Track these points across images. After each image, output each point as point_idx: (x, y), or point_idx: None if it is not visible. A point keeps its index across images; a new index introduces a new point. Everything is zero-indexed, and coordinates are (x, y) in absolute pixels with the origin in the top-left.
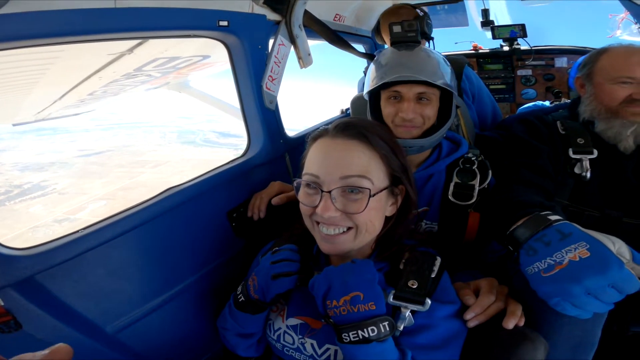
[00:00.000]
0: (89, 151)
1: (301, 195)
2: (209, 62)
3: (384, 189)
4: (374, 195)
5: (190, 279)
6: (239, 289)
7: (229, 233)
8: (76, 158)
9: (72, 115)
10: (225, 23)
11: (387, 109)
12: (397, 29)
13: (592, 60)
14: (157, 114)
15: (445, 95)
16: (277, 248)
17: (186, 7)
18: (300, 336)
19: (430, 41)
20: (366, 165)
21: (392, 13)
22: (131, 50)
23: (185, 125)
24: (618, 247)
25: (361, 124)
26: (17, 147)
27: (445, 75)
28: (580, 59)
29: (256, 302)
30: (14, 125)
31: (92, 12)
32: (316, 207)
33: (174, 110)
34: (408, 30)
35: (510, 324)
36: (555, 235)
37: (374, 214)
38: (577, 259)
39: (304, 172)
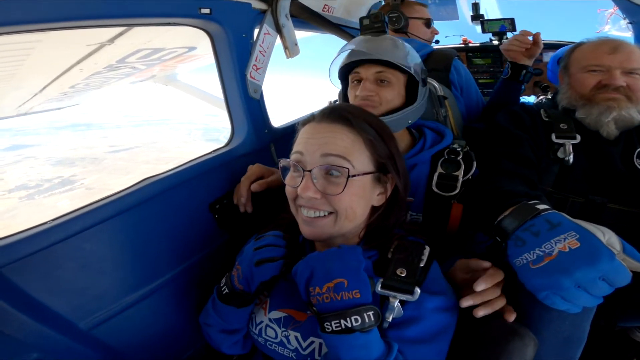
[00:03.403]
0: (118, 147)
1: (287, 179)
2: (196, 55)
3: (367, 173)
4: (353, 176)
5: (170, 273)
6: (223, 281)
7: (211, 225)
8: (106, 154)
9: (55, 109)
10: (207, 11)
11: (350, 93)
12: (365, 21)
13: (568, 53)
14: (185, 111)
15: (413, 83)
16: (261, 234)
17: None
18: (283, 329)
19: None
20: (348, 147)
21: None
22: (112, 40)
23: (212, 123)
24: (608, 237)
25: (346, 108)
26: (51, 142)
27: (407, 59)
28: (556, 53)
29: (241, 293)
30: None
31: None
32: (298, 187)
33: (201, 107)
34: (374, 22)
35: (511, 317)
36: (544, 225)
37: (355, 200)
38: (567, 249)
39: (292, 151)
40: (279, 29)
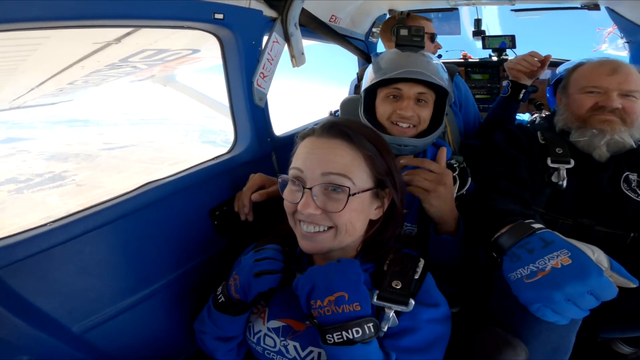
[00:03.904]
0: (113, 145)
1: (286, 193)
2: (198, 57)
3: (366, 190)
4: (353, 194)
5: (166, 278)
6: (219, 289)
7: (209, 231)
8: (100, 151)
9: (49, 104)
10: (220, 16)
11: (383, 107)
12: (404, 32)
13: (567, 74)
14: (183, 112)
15: (437, 101)
16: (260, 247)
17: None
18: (282, 338)
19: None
20: (348, 165)
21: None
22: (119, 40)
23: (209, 124)
24: (597, 255)
25: (346, 124)
26: (47, 137)
27: (444, 79)
28: (557, 74)
29: (237, 302)
30: None
31: None
32: (298, 203)
33: (200, 108)
34: (414, 35)
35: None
36: (538, 243)
37: (355, 216)
38: (559, 265)
39: (290, 167)
40: (287, 38)
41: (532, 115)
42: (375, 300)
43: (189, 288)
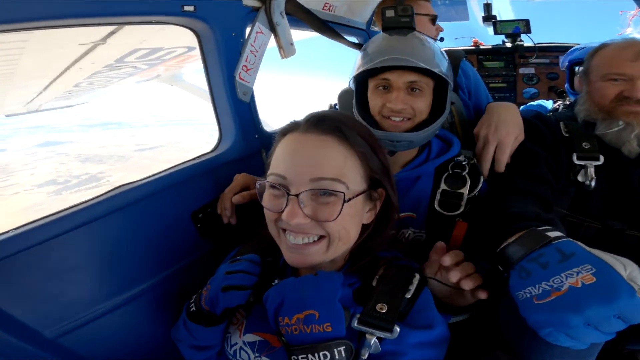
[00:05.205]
0: (144, 146)
1: (265, 199)
2: (198, 55)
3: (361, 193)
4: (348, 200)
5: (147, 283)
6: (193, 297)
7: (193, 234)
8: (133, 152)
9: (65, 107)
10: (190, 8)
11: (374, 100)
12: (390, 13)
13: (588, 58)
14: (209, 112)
15: (439, 88)
16: (237, 257)
17: None
18: (257, 354)
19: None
20: (342, 167)
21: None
22: (104, 39)
23: None
24: (630, 271)
25: (338, 117)
26: (83, 139)
27: (441, 64)
28: (571, 50)
29: (207, 313)
30: (6, 116)
31: None
32: (282, 212)
33: None
34: (402, 15)
35: (466, 284)
36: (555, 256)
37: (348, 221)
38: (580, 285)
39: (269, 171)
40: (272, 28)
41: (554, 103)
42: (355, 324)
43: (173, 292)
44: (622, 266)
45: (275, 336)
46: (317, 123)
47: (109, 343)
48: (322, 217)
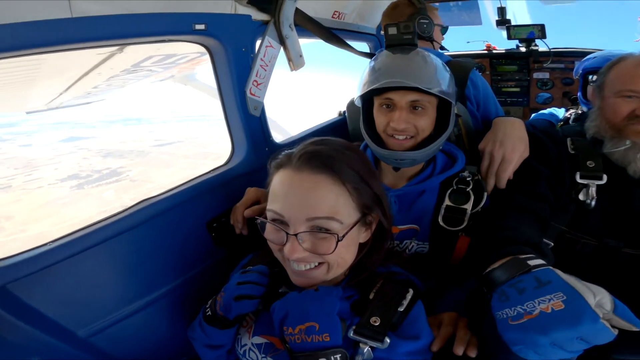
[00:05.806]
0: (163, 141)
1: (267, 232)
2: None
3: (355, 223)
4: (342, 237)
5: (166, 287)
6: (209, 302)
7: (208, 242)
8: (152, 147)
9: (84, 104)
10: (202, 26)
11: (379, 118)
12: (392, 30)
13: (604, 71)
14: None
15: (443, 104)
16: (248, 268)
17: (159, 12)
18: (263, 355)
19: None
20: (334, 205)
21: (391, 9)
22: (121, 49)
23: None
24: (599, 298)
25: (328, 152)
26: (104, 135)
27: (442, 82)
28: (585, 59)
29: (221, 318)
30: (27, 113)
31: (54, 23)
32: (284, 244)
33: None
34: (404, 33)
35: (458, 350)
36: (531, 283)
37: (344, 251)
38: (549, 310)
39: (268, 206)
40: (282, 41)
41: (567, 110)
42: (351, 334)
43: (190, 295)
44: (592, 294)
45: (280, 340)
46: (309, 160)
47: (132, 341)
48: (320, 251)
